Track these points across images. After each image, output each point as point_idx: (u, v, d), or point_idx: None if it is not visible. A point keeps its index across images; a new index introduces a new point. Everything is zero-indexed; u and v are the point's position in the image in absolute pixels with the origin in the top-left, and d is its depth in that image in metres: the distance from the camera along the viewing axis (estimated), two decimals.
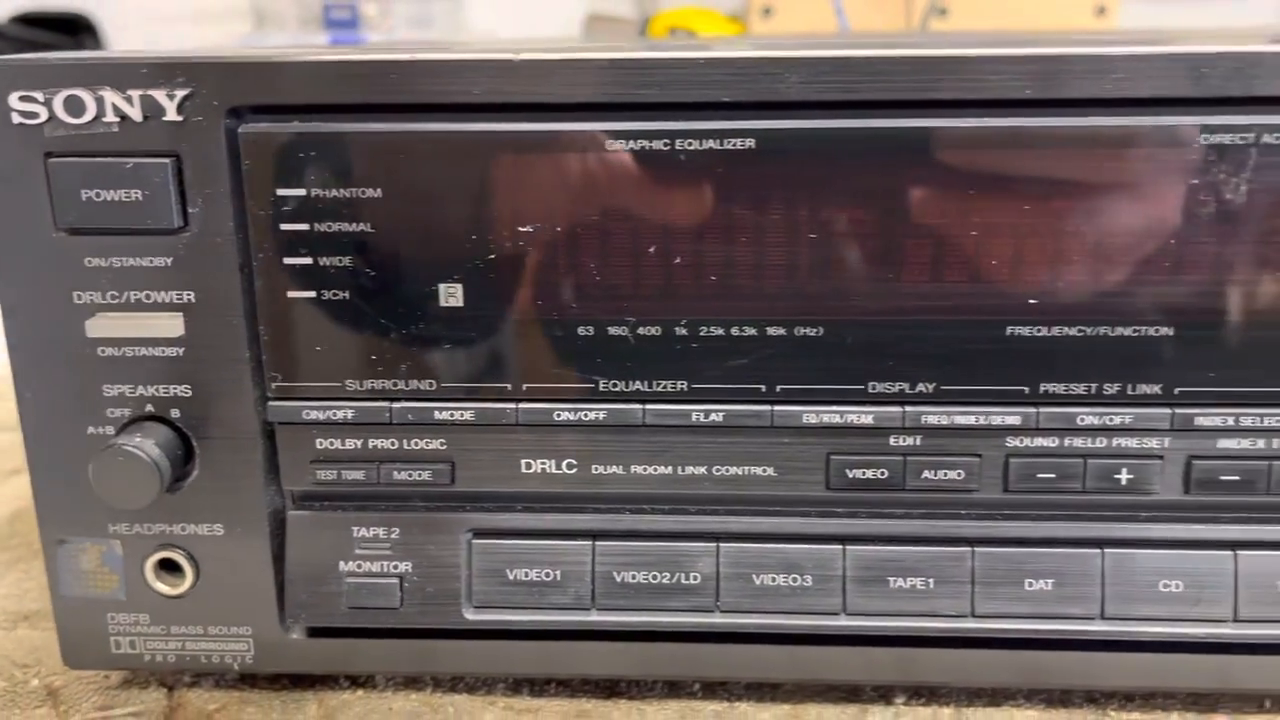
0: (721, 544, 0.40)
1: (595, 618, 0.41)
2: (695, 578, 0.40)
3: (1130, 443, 0.39)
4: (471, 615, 0.41)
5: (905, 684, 0.44)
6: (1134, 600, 0.40)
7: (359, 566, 0.41)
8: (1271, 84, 0.35)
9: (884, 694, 0.45)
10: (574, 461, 0.40)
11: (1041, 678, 0.41)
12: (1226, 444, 0.38)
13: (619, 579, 0.41)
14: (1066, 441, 0.39)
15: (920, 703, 0.45)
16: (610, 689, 0.46)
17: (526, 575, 0.41)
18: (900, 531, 0.40)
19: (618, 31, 1.59)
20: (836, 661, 0.41)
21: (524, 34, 1.62)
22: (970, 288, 0.37)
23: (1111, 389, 0.38)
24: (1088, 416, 0.38)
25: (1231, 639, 0.39)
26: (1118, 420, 0.38)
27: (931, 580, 0.40)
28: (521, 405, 0.39)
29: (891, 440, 0.39)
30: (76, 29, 1.74)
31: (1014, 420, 0.38)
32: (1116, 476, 0.39)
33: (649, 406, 0.39)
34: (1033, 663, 0.40)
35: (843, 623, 0.40)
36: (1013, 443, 0.39)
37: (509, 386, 0.39)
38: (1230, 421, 0.38)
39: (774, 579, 0.40)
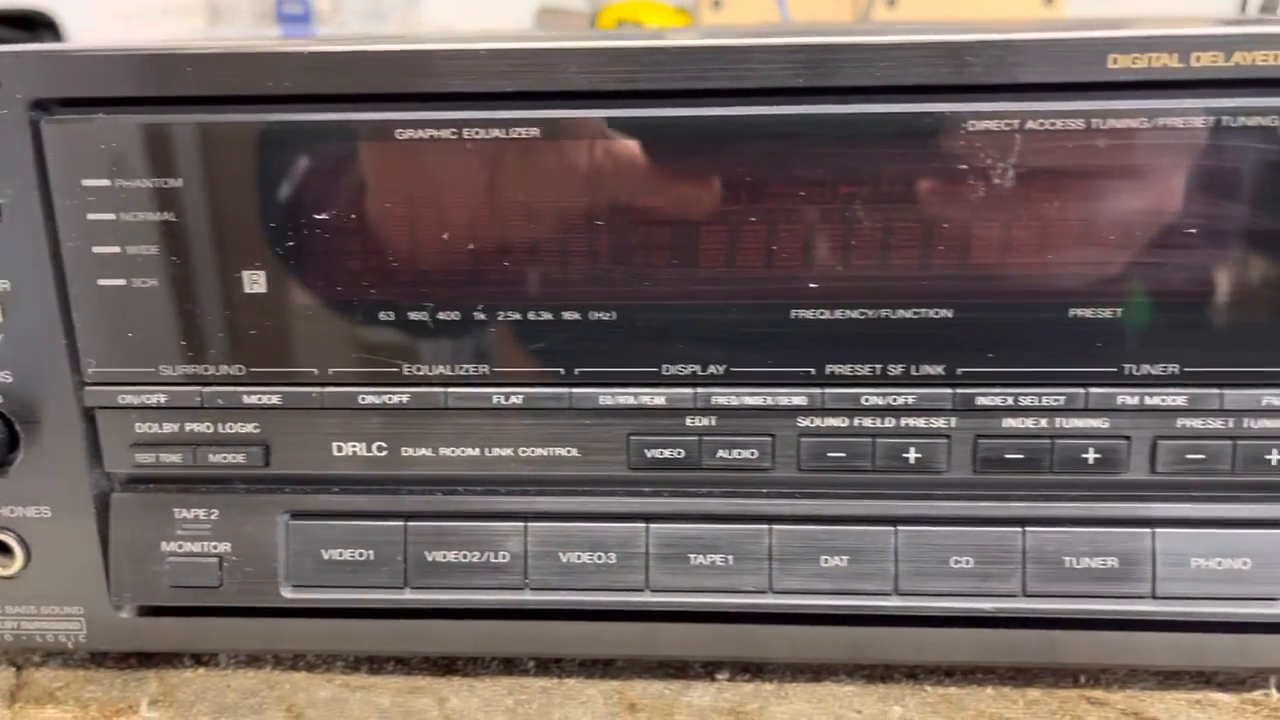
0: (529, 524, 0.41)
1: (409, 596, 0.42)
2: (504, 556, 0.41)
3: (917, 422, 0.40)
4: (289, 594, 0.42)
5: (724, 659, 0.45)
6: (927, 576, 0.41)
7: (180, 547, 0.42)
8: (1033, 71, 0.36)
9: (710, 670, 0.46)
10: (383, 444, 0.41)
11: (845, 653, 0.42)
12: (1010, 423, 0.39)
13: (430, 558, 0.42)
14: (855, 421, 0.40)
15: (745, 678, 0.46)
16: (447, 666, 0.47)
17: (341, 555, 0.42)
18: (701, 510, 0.41)
19: (568, 24, 1.60)
20: (648, 637, 0.42)
21: (479, 26, 1.63)
22: (755, 272, 0.38)
23: (895, 370, 0.39)
24: (872, 397, 0.39)
25: (1020, 613, 0.40)
26: (901, 401, 0.39)
27: (731, 557, 0.41)
28: (327, 389, 0.40)
29: (687, 421, 0.40)
30: (34, 25, 1.75)
31: (801, 401, 0.39)
32: (905, 455, 0.40)
33: (451, 390, 0.40)
34: (832, 638, 0.42)
35: (647, 599, 0.41)
36: (803, 423, 0.40)
37: (315, 371, 0.40)
38: (1010, 401, 0.39)
39: (580, 557, 0.41)
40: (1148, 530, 0.40)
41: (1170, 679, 0.45)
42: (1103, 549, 0.40)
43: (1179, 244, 0.37)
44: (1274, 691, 0.44)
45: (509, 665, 0.47)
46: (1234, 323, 0.38)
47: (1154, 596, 0.40)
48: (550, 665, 0.47)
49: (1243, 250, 0.37)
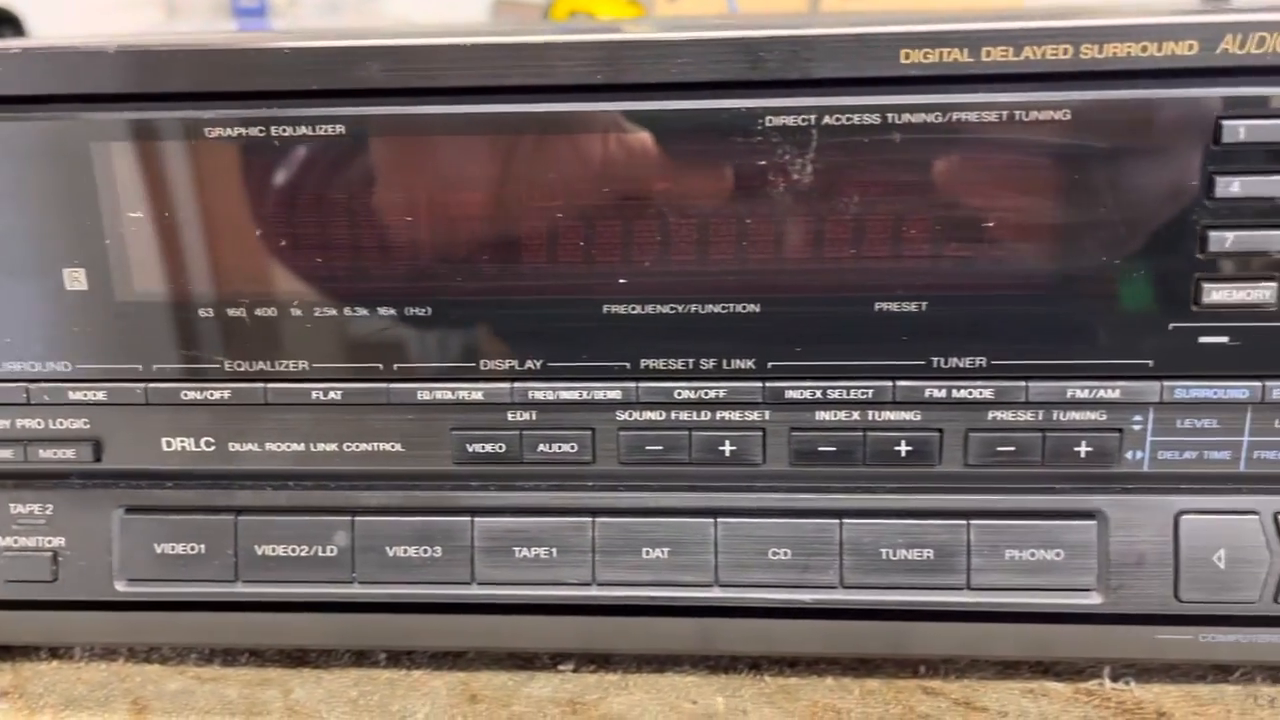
0: (356, 517, 0.42)
1: (240, 589, 0.42)
2: (332, 550, 0.42)
3: (731, 415, 0.40)
4: (122, 588, 0.43)
5: (567, 650, 0.45)
6: (746, 568, 0.41)
7: (15, 542, 0.43)
8: (827, 66, 0.36)
9: (557, 661, 0.46)
10: (211, 440, 0.42)
11: (689, 644, 0.43)
12: (823, 416, 0.40)
13: (260, 552, 0.42)
14: (671, 415, 0.40)
15: (590, 669, 0.46)
16: (299, 658, 0.47)
17: (174, 549, 0.42)
18: (525, 503, 0.41)
19: (524, 16, 1.60)
20: (484, 630, 0.43)
21: (437, 19, 1.63)
22: (567, 268, 0.39)
23: (708, 364, 0.39)
24: (685, 391, 0.40)
25: (839, 604, 0.41)
26: (713, 394, 0.40)
27: (555, 550, 0.41)
28: (150, 385, 0.41)
29: (508, 415, 0.40)
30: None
31: (615, 395, 0.40)
32: (720, 448, 0.40)
33: (270, 385, 0.40)
34: (671, 629, 0.42)
35: (474, 591, 0.42)
36: (621, 416, 0.40)
37: (140, 367, 0.41)
38: (819, 394, 0.39)
39: (406, 551, 0.42)
40: (963, 522, 0.40)
41: (1009, 669, 0.45)
42: (919, 541, 0.40)
43: (979, 237, 0.37)
44: (1107, 681, 0.44)
45: (361, 657, 0.47)
46: (1037, 315, 0.38)
47: (969, 588, 0.40)
48: (401, 657, 0.47)
49: (1041, 243, 0.37)
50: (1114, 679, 0.44)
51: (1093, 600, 0.40)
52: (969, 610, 0.41)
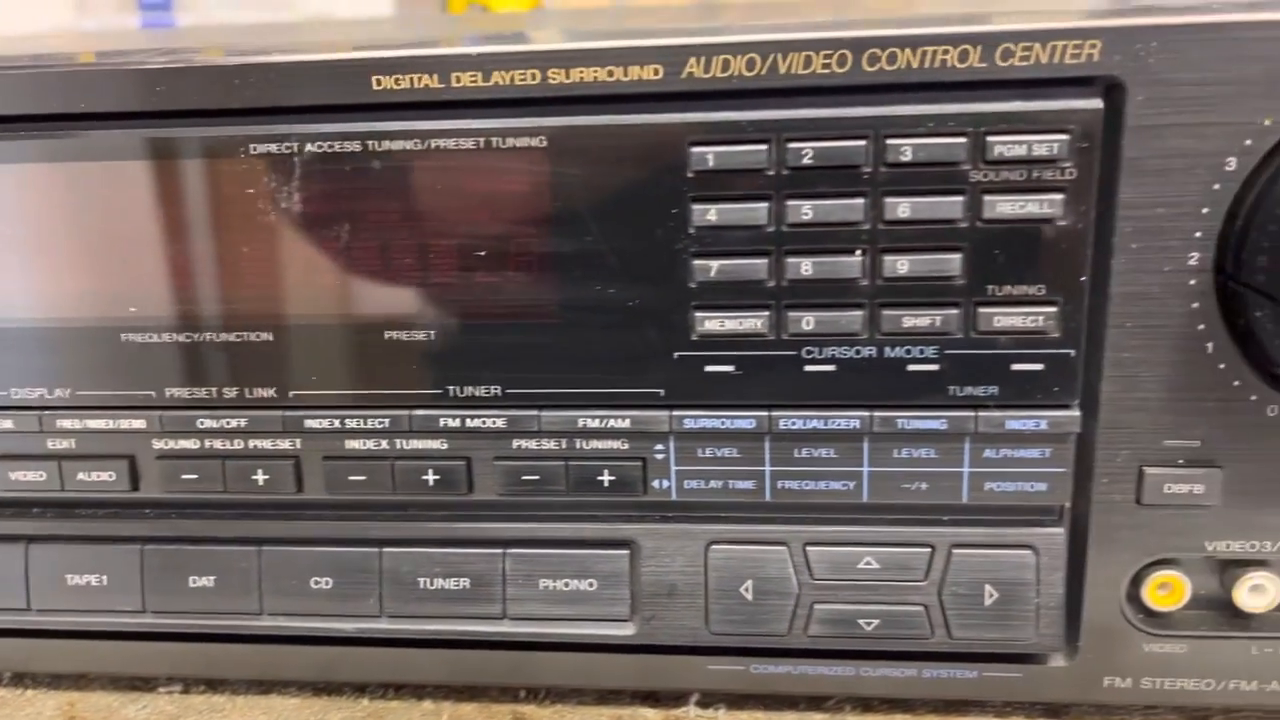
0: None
1: None
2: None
3: (264, 444, 0.40)
4: None
5: (170, 675, 0.45)
6: (290, 595, 0.41)
7: None
8: (306, 92, 0.35)
9: (170, 682, 0.46)
10: None
11: (226, 670, 0.43)
12: (353, 445, 0.39)
13: None
14: (205, 444, 0.40)
15: (200, 691, 0.46)
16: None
17: None
18: (79, 532, 0.41)
19: (426, 6, 1.59)
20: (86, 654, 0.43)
21: (352, 13, 1.62)
22: (85, 297, 0.38)
23: (231, 393, 0.39)
24: (208, 420, 0.39)
25: (380, 634, 0.40)
26: (235, 423, 0.39)
27: (106, 577, 0.41)
28: None
29: (48, 444, 0.40)
30: None
31: (140, 424, 0.39)
32: (254, 477, 0.40)
33: None
34: (202, 654, 0.42)
35: (30, 618, 0.42)
36: (157, 445, 0.40)
37: None
38: (336, 424, 0.39)
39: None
40: (499, 551, 0.40)
41: (610, 696, 0.45)
42: (457, 569, 0.40)
43: (473, 267, 0.37)
44: (693, 708, 0.43)
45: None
46: (546, 344, 0.37)
47: (506, 617, 0.40)
48: (25, 677, 0.47)
49: (537, 272, 0.36)
50: (703, 706, 0.44)
51: (627, 631, 0.40)
52: (511, 640, 0.40)
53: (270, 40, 0.44)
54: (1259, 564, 0.38)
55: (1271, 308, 0.32)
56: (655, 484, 0.39)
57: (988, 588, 0.38)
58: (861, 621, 0.38)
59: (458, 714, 0.44)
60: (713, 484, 0.38)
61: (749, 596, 0.38)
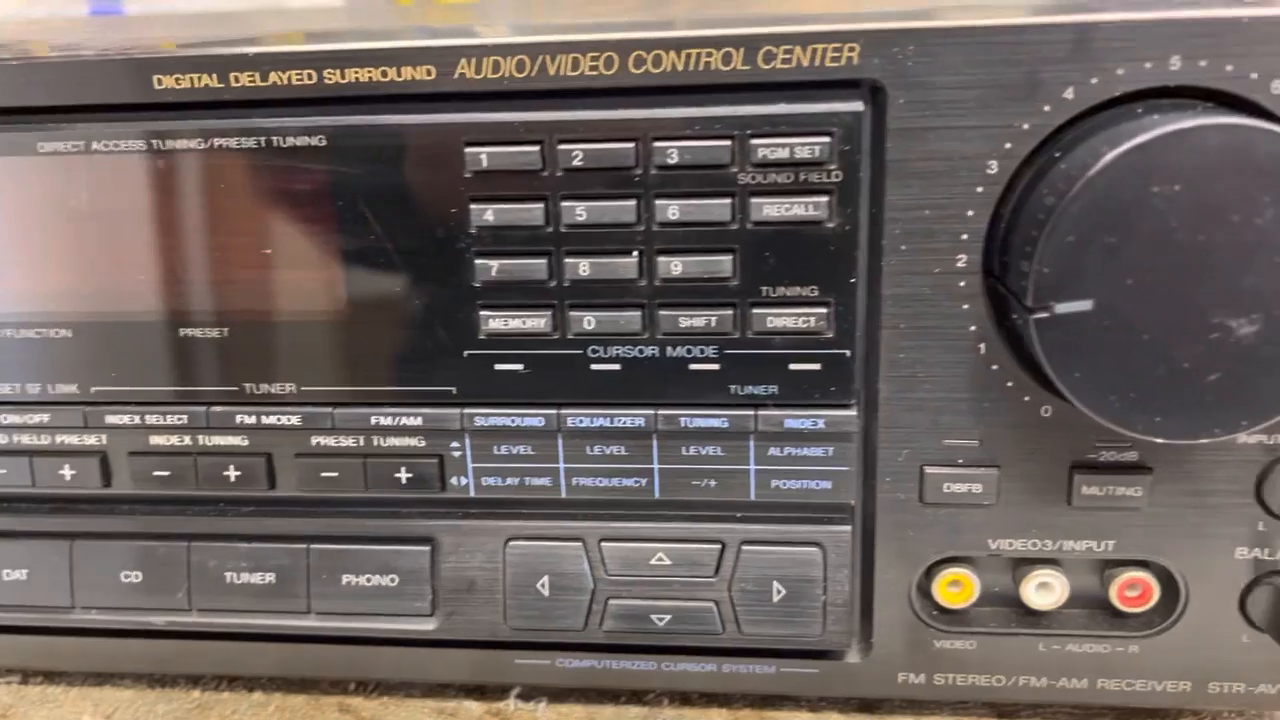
0: None
1: None
2: None
3: (70, 439, 0.40)
4: None
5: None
6: (103, 588, 0.41)
7: None
8: (92, 89, 0.36)
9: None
10: None
11: (60, 663, 0.43)
12: (156, 440, 0.39)
13: None
14: (13, 439, 0.40)
15: (38, 681, 0.46)
16: None
17: None
18: None
19: None
20: None
21: (305, 2, 1.62)
22: None
23: (34, 389, 0.39)
24: (11, 416, 0.40)
25: (187, 627, 0.41)
26: (38, 420, 0.39)
27: None
28: None
29: None
30: None
31: None
32: (61, 473, 0.40)
33: None
34: (34, 646, 0.42)
35: None
36: None
37: None
38: (137, 420, 0.39)
39: None
40: (303, 546, 0.40)
41: (438, 689, 0.45)
42: (262, 564, 0.40)
43: (263, 264, 0.37)
44: (514, 701, 0.44)
45: None
46: (339, 342, 0.37)
47: (312, 612, 0.40)
48: None
49: (325, 270, 0.37)
50: (525, 699, 0.44)
51: (428, 626, 0.40)
52: (332, 635, 0.40)
53: (207, 32, 0.44)
54: (1048, 562, 0.38)
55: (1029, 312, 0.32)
56: (453, 481, 0.39)
57: (776, 584, 0.38)
58: (654, 617, 0.39)
59: (286, 705, 0.45)
60: (509, 481, 0.39)
61: (545, 592, 0.39)
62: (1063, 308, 0.30)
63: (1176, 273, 0.30)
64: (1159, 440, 0.32)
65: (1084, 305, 0.30)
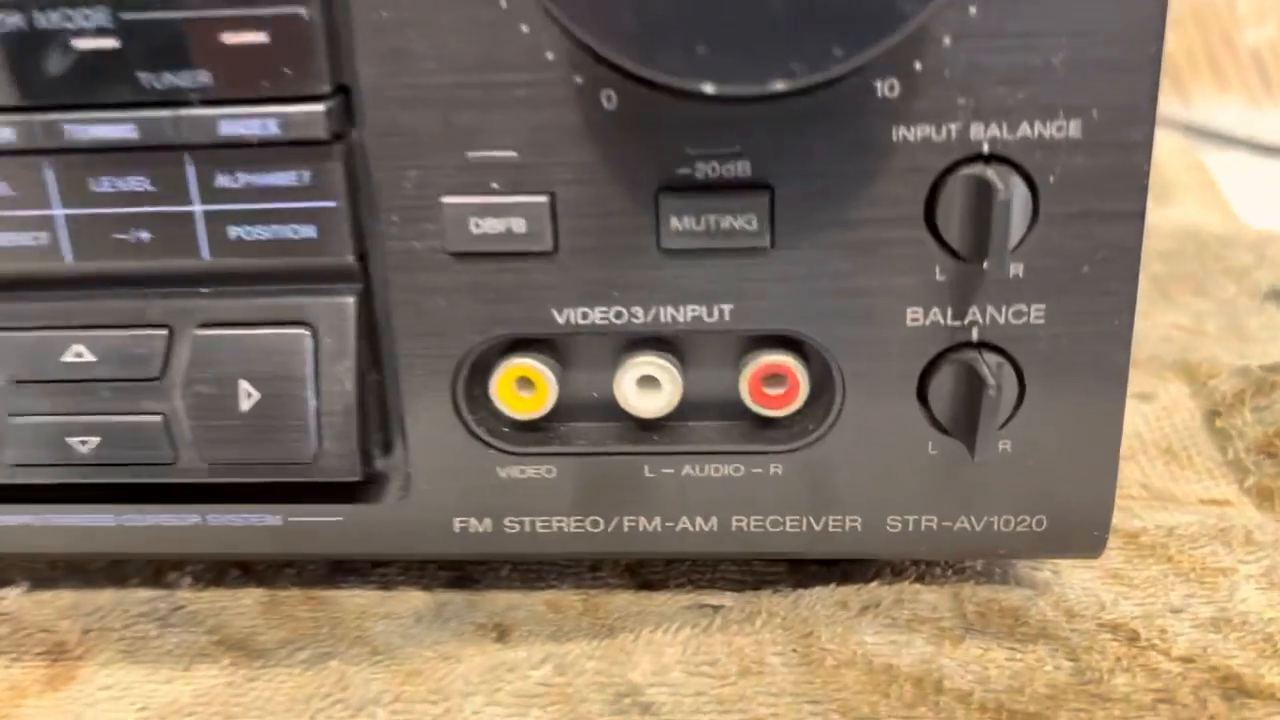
0: None
1: None
2: None
3: None
4: None
5: None
6: None
7: None
8: None
9: None
10: None
11: None
12: None
13: None
14: None
15: None
16: None
17: None
18: None
19: None
20: None
21: None
22: None
23: None
24: None
25: None
26: None
27: None
28: None
29: None
30: None
31: None
32: None
33: None
34: None
35: None
36: None
37: None
38: None
39: None
40: None
41: None
42: None
43: None
44: None
45: None
46: None
47: None
48: None
49: None
50: None
51: None
52: None
53: None
54: (648, 344, 0.26)
55: None
56: None
57: (244, 385, 0.25)
58: (75, 441, 0.26)
59: None
60: None
61: None
62: None
63: None
64: (706, 88, 0.19)
65: None
